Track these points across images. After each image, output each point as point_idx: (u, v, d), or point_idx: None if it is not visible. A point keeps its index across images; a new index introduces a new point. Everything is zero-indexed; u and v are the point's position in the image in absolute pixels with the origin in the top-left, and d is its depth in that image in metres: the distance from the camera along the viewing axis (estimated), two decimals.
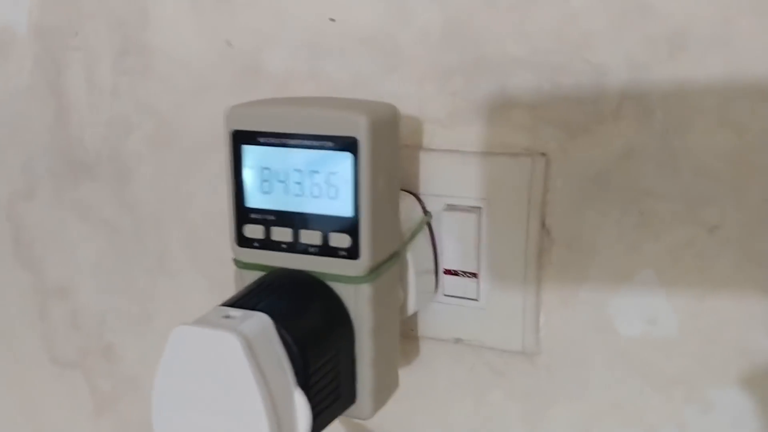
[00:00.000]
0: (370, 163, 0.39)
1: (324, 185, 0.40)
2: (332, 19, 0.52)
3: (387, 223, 0.41)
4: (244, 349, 0.34)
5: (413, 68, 0.50)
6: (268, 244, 0.42)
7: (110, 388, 0.67)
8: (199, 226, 0.59)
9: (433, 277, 0.50)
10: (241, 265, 0.43)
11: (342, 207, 0.40)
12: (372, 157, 0.39)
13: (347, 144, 0.38)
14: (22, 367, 0.71)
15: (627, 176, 0.47)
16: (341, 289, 0.41)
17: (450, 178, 0.50)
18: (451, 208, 0.49)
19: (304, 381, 0.37)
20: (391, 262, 0.42)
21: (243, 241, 0.42)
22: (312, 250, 0.41)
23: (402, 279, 0.47)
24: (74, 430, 0.70)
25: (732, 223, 0.45)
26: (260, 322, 0.36)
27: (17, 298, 0.69)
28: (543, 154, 0.48)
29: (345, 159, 0.39)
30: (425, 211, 0.50)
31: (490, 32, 0.48)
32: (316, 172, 0.40)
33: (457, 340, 0.52)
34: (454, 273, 0.50)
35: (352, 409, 0.42)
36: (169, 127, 0.59)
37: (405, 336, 0.53)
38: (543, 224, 0.49)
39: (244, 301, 0.38)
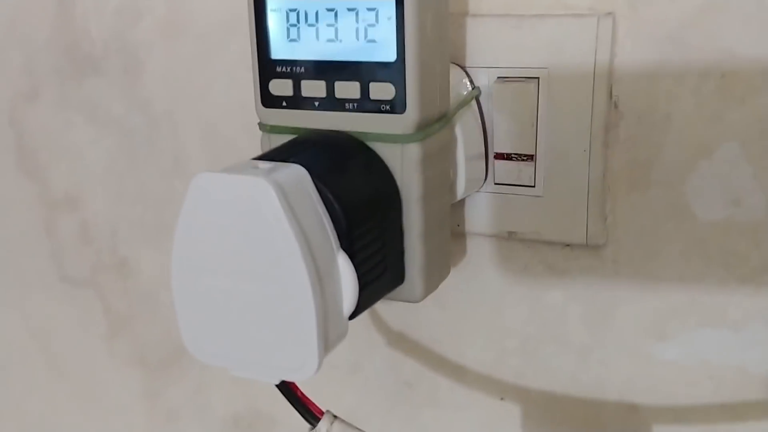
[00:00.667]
0: None
1: (362, 25, 0.34)
2: None
3: (436, 73, 0.35)
4: (280, 198, 0.28)
5: None
6: (298, 101, 0.36)
7: (125, 307, 0.62)
8: (217, 122, 0.54)
9: (483, 162, 0.44)
10: (267, 129, 0.37)
11: (384, 51, 0.34)
12: None
13: None
14: (30, 286, 0.66)
15: (707, 34, 0.40)
16: (386, 151, 0.35)
17: (502, 46, 0.43)
18: (504, 80, 0.43)
19: (348, 245, 0.31)
20: (441, 123, 0.36)
21: (269, 101, 0.36)
22: (350, 105, 0.35)
23: (451, 157, 0.41)
24: (87, 353, 0.65)
25: None
26: (296, 173, 0.30)
27: (22, 211, 0.64)
28: (609, 14, 0.42)
29: None
30: (473, 86, 0.44)
31: None
32: (352, 9, 0.34)
33: (511, 234, 0.46)
34: (507, 157, 0.44)
35: (401, 290, 0.36)
36: (182, 11, 0.53)
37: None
38: (610, 95, 0.42)
39: (275, 155, 0.33)
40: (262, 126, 0.37)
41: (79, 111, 0.58)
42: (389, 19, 0.33)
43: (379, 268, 0.34)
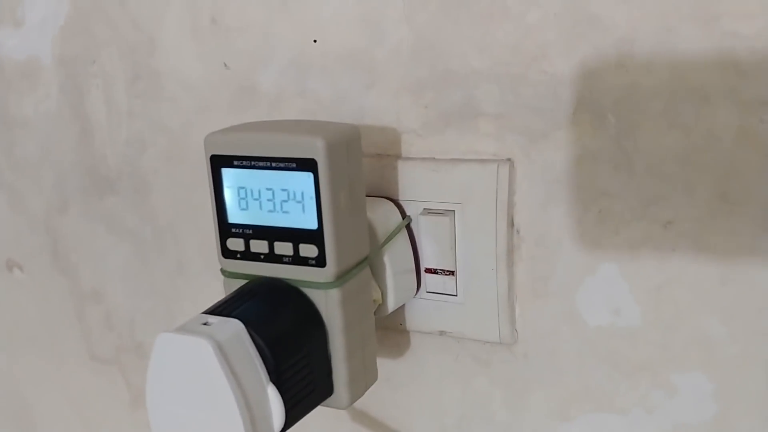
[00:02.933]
0: (330, 180, 0.43)
1: (292, 201, 0.44)
2: (315, 41, 0.56)
3: (352, 232, 0.46)
4: (216, 353, 0.39)
5: (389, 83, 0.54)
6: (248, 255, 0.47)
7: (142, 381, 0.73)
8: (211, 233, 0.64)
9: (414, 275, 0.54)
10: (227, 274, 0.48)
11: (308, 220, 0.44)
12: (331, 175, 0.43)
13: (308, 164, 0.43)
14: (66, 363, 0.78)
15: (585, 177, 0.50)
16: (313, 294, 0.45)
17: (426, 184, 0.53)
18: (428, 212, 0.54)
19: (276, 377, 0.42)
20: (359, 267, 0.46)
21: (227, 253, 0.47)
22: (285, 259, 0.45)
23: (380, 279, 0.51)
24: (114, 421, 0.77)
25: (685, 218, 0.48)
26: (233, 328, 0.41)
27: (57, 301, 0.76)
28: (508, 160, 0.51)
29: (307, 178, 0.43)
30: (404, 216, 0.54)
31: (455, 48, 0.51)
32: (285, 189, 0.44)
33: (442, 333, 0.56)
34: (434, 271, 0.54)
35: (331, 400, 0.47)
36: (179, 144, 0.64)
37: (394, 330, 0.57)
38: (512, 223, 0.52)
39: (223, 308, 0.43)
40: (223, 272, 0.48)
41: (100, 222, 0.70)
42: (311, 198, 0.44)
43: (307, 389, 0.44)
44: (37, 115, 0.71)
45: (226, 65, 0.60)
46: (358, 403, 0.62)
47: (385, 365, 0.59)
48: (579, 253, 0.51)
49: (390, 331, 0.58)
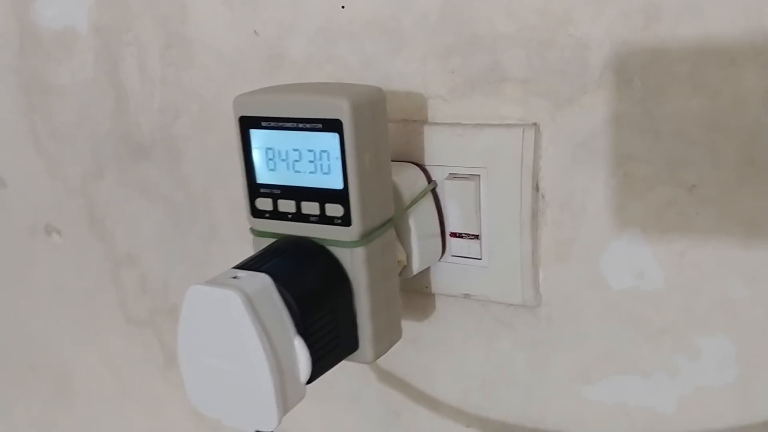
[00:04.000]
0: (355, 141, 0.44)
1: (318, 162, 0.45)
2: (343, 7, 0.57)
3: (377, 193, 0.46)
4: (245, 304, 0.40)
5: (416, 49, 0.55)
6: (276, 214, 0.48)
7: (176, 343, 0.75)
8: (241, 198, 0.66)
9: (439, 239, 0.55)
10: (256, 233, 0.49)
11: (334, 181, 0.45)
12: (356, 136, 0.44)
13: (333, 125, 0.44)
14: (103, 326, 0.80)
15: (611, 141, 0.50)
16: (339, 252, 0.46)
17: (451, 148, 0.54)
18: (453, 176, 0.54)
19: (303, 330, 0.43)
20: (384, 227, 0.47)
21: (256, 213, 0.49)
22: (312, 219, 0.46)
23: (405, 242, 0.52)
24: (147, 380, 0.79)
25: (709, 182, 0.48)
26: (262, 282, 0.42)
27: (93, 265, 0.78)
28: (534, 124, 0.52)
29: (333, 138, 0.44)
30: (429, 180, 0.55)
31: (482, 12, 0.52)
32: (311, 150, 0.45)
33: (466, 296, 0.57)
34: (459, 235, 0.55)
35: (356, 355, 0.48)
36: (211, 111, 0.65)
37: (420, 292, 0.58)
38: (537, 188, 0.53)
39: (252, 263, 0.45)
40: (252, 230, 0.50)
41: (135, 188, 0.72)
42: (336, 158, 0.45)
43: (333, 343, 0.45)
44: (73, 84, 0.72)
45: (256, 33, 0.61)
46: (384, 364, 0.63)
47: (410, 327, 0.60)
48: (603, 217, 0.51)
49: (415, 293, 0.59)
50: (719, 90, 0.46)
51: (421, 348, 0.61)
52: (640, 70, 0.48)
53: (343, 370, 0.60)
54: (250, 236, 0.50)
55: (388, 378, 0.63)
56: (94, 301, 0.80)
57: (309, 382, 0.44)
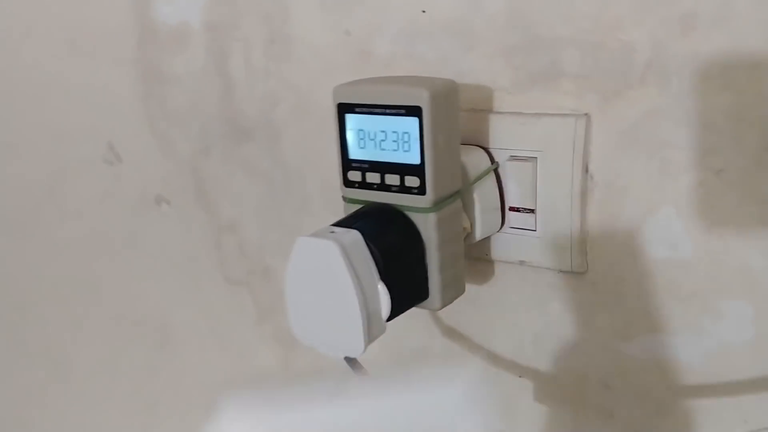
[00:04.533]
0: (431, 124, 0.53)
1: (400, 141, 0.55)
2: (423, 11, 0.66)
3: (448, 168, 0.56)
4: (341, 253, 0.50)
5: (485, 48, 0.64)
6: (364, 185, 0.58)
7: (268, 301, 0.87)
8: (331, 176, 0.76)
9: (500, 212, 0.64)
10: (347, 200, 0.59)
11: (413, 157, 0.55)
12: (432, 120, 0.53)
13: (414, 111, 0.53)
14: (204, 284, 0.92)
15: (651, 131, 0.58)
16: (415, 217, 0.56)
17: (513, 134, 0.63)
18: (513, 158, 0.63)
19: (385, 277, 0.53)
20: (453, 198, 0.57)
21: (348, 183, 0.59)
22: (393, 188, 0.56)
23: (470, 212, 0.62)
24: (241, 334, 0.90)
25: (734, 167, 0.56)
26: (353, 236, 0.52)
27: (198, 232, 0.89)
28: (586, 114, 0.60)
29: (413, 122, 0.54)
30: (492, 161, 0.64)
31: (543, 17, 0.61)
32: (395, 131, 0.55)
33: (521, 262, 0.66)
34: (517, 209, 0.64)
35: (427, 302, 0.58)
36: (306, 100, 0.76)
37: (481, 259, 0.68)
38: (586, 169, 0.61)
39: (345, 222, 0.55)
40: (344, 198, 0.60)
41: (237, 165, 0.83)
42: (416, 138, 0.54)
43: (408, 290, 0.55)
44: (186, 74, 0.84)
45: (347, 32, 0.71)
46: (448, 320, 0.73)
47: (471, 289, 0.69)
48: (643, 196, 0.60)
49: (477, 260, 0.68)
50: (744, 88, 0.54)
51: (481, 307, 0.70)
52: (678, 70, 0.56)
53: (411, 329, 0.70)
54: (337, 209, 0.60)
55: (451, 333, 0.73)
56: (197, 263, 0.91)
57: (388, 320, 0.54)
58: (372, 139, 0.56)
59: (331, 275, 0.51)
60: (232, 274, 0.89)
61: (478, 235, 0.62)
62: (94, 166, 0.95)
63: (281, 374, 0.89)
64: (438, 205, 0.56)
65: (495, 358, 0.71)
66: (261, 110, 0.79)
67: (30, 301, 1.11)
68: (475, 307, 0.70)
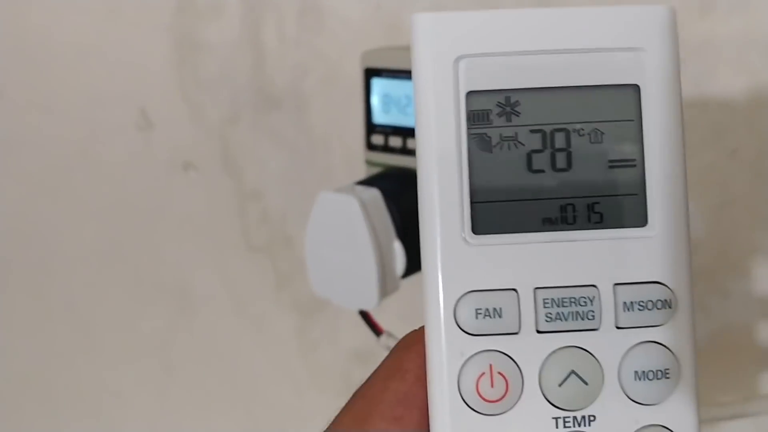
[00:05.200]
0: None
1: None
2: None
3: None
4: (361, 208, 0.53)
5: None
6: (386, 148, 0.60)
7: (288, 269, 0.89)
8: (354, 147, 0.79)
9: None
10: (369, 163, 0.62)
11: None
12: None
13: None
14: (226, 251, 0.94)
15: None
16: None
17: None
18: None
19: (402, 236, 0.55)
20: None
21: (371, 147, 0.61)
22: (414, 153, 0.58)
23: None
24: (259, 300, 0.93)
25: (747, 147, 0.58)
26: (373, 193, 0.55)
27: (223, 198, 0.92)
28: None
29: None
30: None
31: None
32: None
33: None
34: None
35: None
36: (335, 71, 0.78)
37: None
38: None
39: (365, 181, 0.57)
40: (367, 161, 0.62)
41: (265, 133, 0.86)
42: None
43: None
44: (219, 42, 0.86)
45: (378, 6, 0.73)
46: None
47: None
48: None
49: None
50: (759, 71, 0.56)
51: None
52: (695, 51, 0.58)
53: None
54: (360, 178, 0.62)
55: None
56: (220, 229, 0.94)
57: (403, 277, 0.56)
58: (396, 104, 0.59)
59: (350, 229, 0.53)
60: (254, 241, 0.91)
61: None
62: (125, 131, 0.98)
63: (297, 345, 0.92)
64: None
65: None
66: (290, 80, 0.81)
67: (55, 259, 1.14)
68: None
